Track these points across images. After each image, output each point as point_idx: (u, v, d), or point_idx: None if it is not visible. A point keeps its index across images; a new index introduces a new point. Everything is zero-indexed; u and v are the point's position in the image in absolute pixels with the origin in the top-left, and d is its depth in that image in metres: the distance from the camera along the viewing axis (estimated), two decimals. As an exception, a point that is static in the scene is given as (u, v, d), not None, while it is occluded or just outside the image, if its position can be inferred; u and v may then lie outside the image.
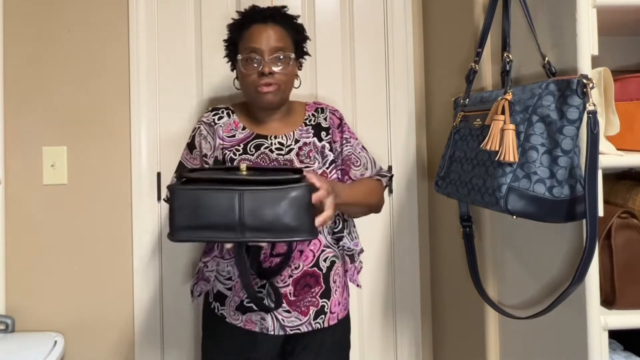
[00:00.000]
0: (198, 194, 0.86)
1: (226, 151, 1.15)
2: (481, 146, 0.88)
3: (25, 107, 1.47)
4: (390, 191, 1.61)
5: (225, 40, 1.20)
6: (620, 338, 0.96)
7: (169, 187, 0.88)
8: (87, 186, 1.48)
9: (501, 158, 0.83)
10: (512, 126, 0.83)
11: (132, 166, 1.49)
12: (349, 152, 1.22)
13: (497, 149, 0.84)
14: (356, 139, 1.27)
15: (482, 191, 0.90)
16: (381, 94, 1.60)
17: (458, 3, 1.29)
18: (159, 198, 1.51)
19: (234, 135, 1.17)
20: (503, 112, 0.86)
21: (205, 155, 1.19)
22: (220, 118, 1.20)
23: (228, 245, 0.92)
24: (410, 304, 1.60)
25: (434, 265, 1.58)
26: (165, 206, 1.49)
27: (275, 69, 1.10)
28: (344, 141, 1.23)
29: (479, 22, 1.13)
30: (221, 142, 1.16)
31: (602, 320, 0.82)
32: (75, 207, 1.47)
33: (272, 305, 1.08)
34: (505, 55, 0.97)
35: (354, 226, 1.26)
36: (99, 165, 1.48)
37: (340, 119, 1.26)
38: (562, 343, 0.89)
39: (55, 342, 1.36)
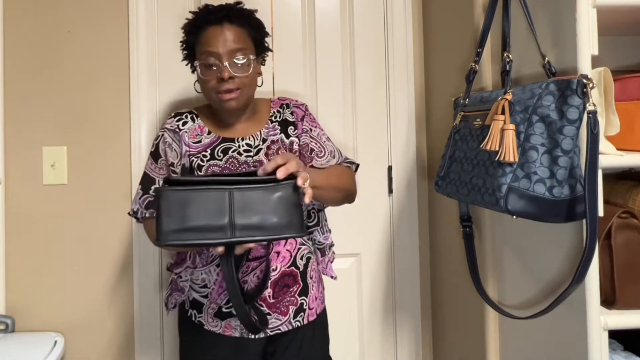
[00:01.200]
0: (187, 195, 0.84)
1: (193, 158, 1.11)
2: (481, 146, 0.88)
3: (25, 107, 1.47)
4: (391, 191, 1.61)
5: (181, 42, 1.15)
6: (620, 338, 0.96)
7: (157, 190, 0.86)
8: (87, 186, 1.48)
9: (501, 158, 0.83)
10: (512, 126, 0.83)
11: (132, 166, 1.49)
12: (304, 142, 1.18)
13: (497, 149, 0.84)
14: (321, 129, 1.24)
15: (482, 191, 0.90)
16: (381, 94, 1.60)
17: (458, 3, 1.29)
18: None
19: (199, 141, 1.13)
20: (503, 112, 0.86)
21: (172, 164, 1.14)
22: (184, 123, 1.15)
23: (219, 249, 0.89)
24: (410, 304, 1.60)
25: (434, 265, 1.58)
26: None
27: (235, 72, 1.05)
28: (302, 131, 1.19)
29: (479, 22, 1.13)
30: (187, 148, 1.12)
31: (602, 320, 0.82)
32: (75, 207, 1.47)
33: (258, 324, 1.06)
34: (505, 55, 0.97)
35: (326, 220, 1.26)
36: (99, 165, 1.48)
37: (305, 111, 1.23)
38: (562, 343, 0.89)
39: (55, 342, 1.36)
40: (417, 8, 1.62)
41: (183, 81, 1.53)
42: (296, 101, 1.25)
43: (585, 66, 0.82)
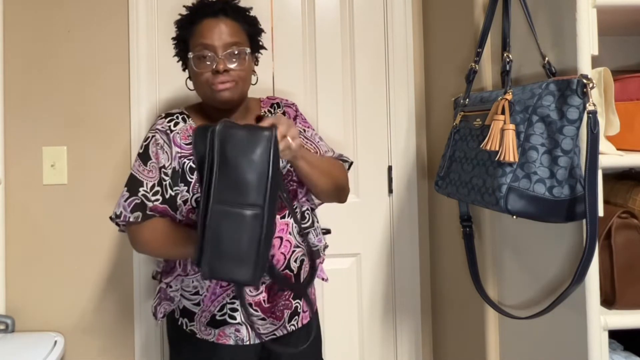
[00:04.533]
0: (212, 234, 0.81)
1: (185, 159, 1.07)
2: (481, 146, 0.88)
3: (25, 107, 1.47)
4: (391, 191, 1.60)
5: (173, 38, 1.13)
6: (620, 338, 0.96)
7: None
8: (87, 186, 1.48)
9: (501, 158, 0.83)
10: (512, 126, 0.83)
11: (132, 166, 1.49)
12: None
13: (497, 149, 0.84)
14: (313, 130, 1.23)
15: (482, 191, 0.90)
16: (381, 94, 1.60)
17: (458, 3, 1.29)
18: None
19: (191, 142, 1.09)
20: (503, 112, 0.86)
21: (164, 167, 1.08)
22: (176, 124, 1.11)
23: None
24: (410, 304, 1.60)
25: (434, 266, 1.58)
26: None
27: (230, 65, 1.03)
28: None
29: (479, 22, 1.13)
30: (178, 150, 1.08)
31: (602, 320, 0.82)
32: (75, 207, 1.47)
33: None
34: (505, 55, 0.97)
35: (318, 222, 1.24)
36: (99, 165, 1.48)
37: (296, 111, 1.22)
38: (562, 343, 0.89)
39: (55, 342, 1.36)
40: (417, 8, 1.62)
41: (183, 81, 1.53)
42: (286, 100, 1.24)
43: (585, 66, 0.82)
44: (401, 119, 1.60)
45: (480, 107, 1.00)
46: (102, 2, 1.49)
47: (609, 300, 0.88)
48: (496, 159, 0.84)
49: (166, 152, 1.08)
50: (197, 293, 1.09)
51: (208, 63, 1.04)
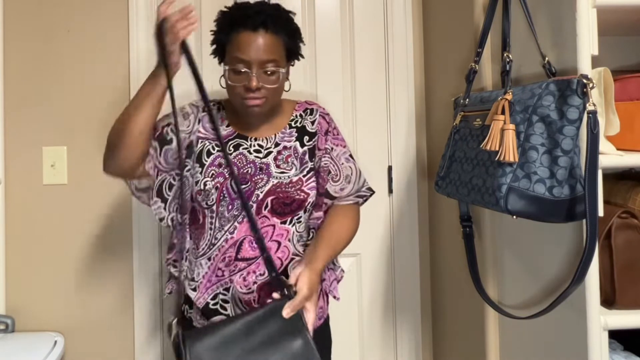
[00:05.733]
0: None
1: (206, 142, 1.12)
2: (481, 146, 0.88)
3: (25, 107, 1.47)
4: (391, 191, 1.61)
5: (212, 32, 1.12)
6: (620, 338, 0.96)
7: None
8: (87, 186, 1.48)
9: (501, 158, 0.83)
10: (512, 126, 0.83)
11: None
12: (325, 163, 1.15)
13: (497, 149, 0.84)
14: (343, 147, 1.20)
15: (482, 191, 0.90)
16: (381, 94, 1.60)
17: (458, 3, 1.29)
18: (159, 198, 1.50)
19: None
20: (503, 112, 0.86)
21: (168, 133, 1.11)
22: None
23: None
24: (410, 304, 1.60)
25: (434, 265, 1.58)
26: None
27: (263, 83, 1.04)
28: (324, 152, 1.16)
29: (479, 22, 1.13)
30: (199, 128, 1.12)
31: (602, 320, 0.82)
32: (75, 207, 1.47)
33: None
34: (505, 55, 0.97)
35: None
36: (99, 165, 1.48)
37: (329, 123, 1.19)
38: (562, 343, 0.89)
39: (55, 342, 1.36)
40: (417, 8, 1.62)
41: (183, 81, 1.53)
42: (323, 109, 1.21)
43: (585, 66, 0.82)
44: (401, 119, 1.60)
45: (480, 107, 1.00)
46: (102, 2, 1.50)
47: (609, 300, 0.88)
48: (496, 159, 0.84)
49: (189, 120, 1.13)
50: (193, 279, 1.10)
51: (242, 72, 1.04)
